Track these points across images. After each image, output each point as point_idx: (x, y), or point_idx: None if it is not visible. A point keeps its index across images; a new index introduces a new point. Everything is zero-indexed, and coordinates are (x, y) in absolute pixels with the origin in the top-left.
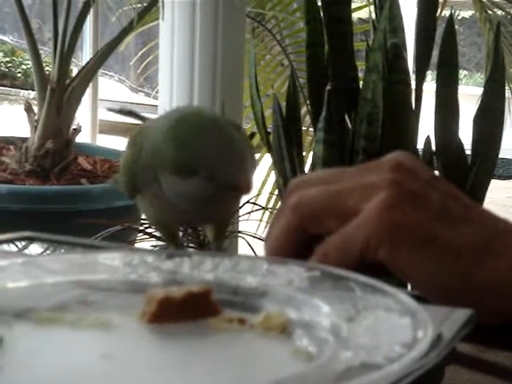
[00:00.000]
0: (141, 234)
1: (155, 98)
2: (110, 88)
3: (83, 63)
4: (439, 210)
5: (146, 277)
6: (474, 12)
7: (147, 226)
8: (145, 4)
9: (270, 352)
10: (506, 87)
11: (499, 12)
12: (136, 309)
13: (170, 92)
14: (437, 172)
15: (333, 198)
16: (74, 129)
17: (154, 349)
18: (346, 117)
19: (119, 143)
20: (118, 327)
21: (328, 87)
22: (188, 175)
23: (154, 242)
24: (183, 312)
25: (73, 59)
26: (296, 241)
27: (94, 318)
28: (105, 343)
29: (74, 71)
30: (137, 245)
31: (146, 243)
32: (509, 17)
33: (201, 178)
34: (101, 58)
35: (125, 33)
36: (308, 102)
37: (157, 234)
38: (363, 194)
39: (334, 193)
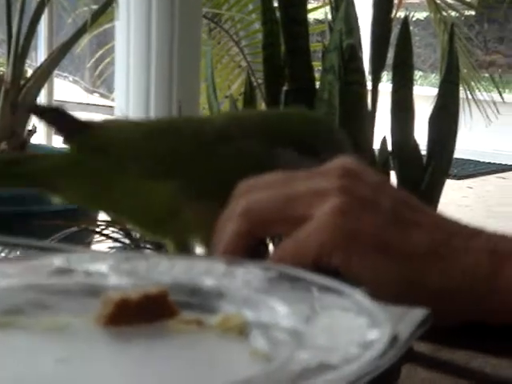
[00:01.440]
0: (97, 235)
1: (112, 99)
2: (65, 89)
3: (37, 64)
4: (390, 215)
5: (102, 279)
6: (428, 13)
7: (104, 227)
8: (100, 5)
9: (227, 353)
10: (461, 88)
11: (453, 13)
12: (92, 312)
13: (126, 93)
14: (393, 172)
15: (282, 203)
16: (30, 130)
17: (110, 352)
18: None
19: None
20: (74, 330)
21: (285, 88)
22: (310, 153)
23: (111, 244)
24: (140, 314)
25: (27, 60)
26: (246, 245)
27: (49, 322)
28: (61, 347)
29: (29, 72)
30: (93, 247)
31: (102, 245)
32: (463, 18)
33: (318, 160)
34: (56, 58)
35: (80, 33)
36: (265, 102)
37: (114, 235)
38: (313, 200)
39: (283, 198)
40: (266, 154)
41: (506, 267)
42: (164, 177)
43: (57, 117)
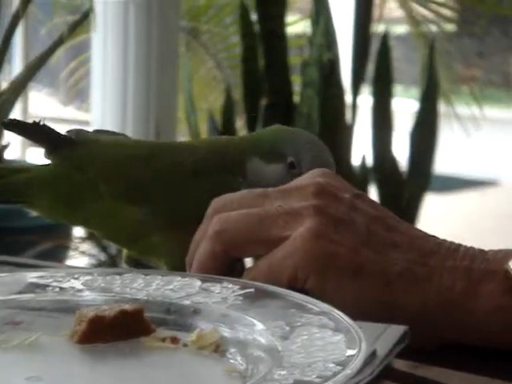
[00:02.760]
0: (73, 251)
1: (85, 111)
2: (40, 102)
3: (11, 77)
4: (365, 236)
5: (76, 296)
6: (408, 27)
7: (80, 243)
8: (77, 16)
9: (203, 371)
10: (441, 102)
11: (433, 28)
12: (66, 329)
13: (102, 106)
14: (373, 188)
15: (257, 225)
16: (3, 145)
17: (84, 370)
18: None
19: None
20: (47, 348)
21: (264, 102)
22: (275, 160)
23: (87, 260)
24: (115, 331)
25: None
26: (221, 265)
27: (21, 339)
28: (33, 364)
29: (3, 85)
30: (69, 263)
31: (78, 261)
32: (443, 33)
33: (285, 165)
34: (31, 71)
35: (56, 45)
36: (243, 116)
37: (89, 251)
38: (288, 222)
39: (257, 219)
40: (234, 184)
41: (482, 287)
42: (136, 202)
43: (38, 130)
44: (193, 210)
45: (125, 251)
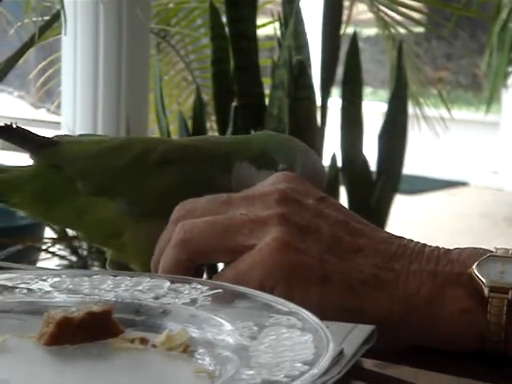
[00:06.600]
0: (44, 253)
1: (55, 113)
2: (10, 105)
3: None
4: (330, 243)
5: (44, 297)
6: (377, 30)
7: (51, 245)
8: (46, 18)
9: (172, 372)
10: (410, 104)
11: (402, 30)
12: (34, 331)
13: (73, 109)
14: (342, 188)
15: (221, 234)
16: None
17: (52, 372)
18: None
19: (19, 159)
20: (15, 350)
21: (234, 104)
22: (266, 166)
23: (58, 261)
24: (83, 333)
25: None
26: (187, 271)
27: None
28: (1, 367)
29: None
30: (40, 264)
31: (49, 262)
32: (411, 35)
33: (276, 172)
34: (0, 74)
35: (26, 48)
36: (214, 118)
37: (60, 253)
38: (253, 230)
39: (222, 228)
40: (213, 176)
41: (447, 291)
42: (110, 195)
43: (15, 133)
44: (164, 199)
45: (108, 255)
